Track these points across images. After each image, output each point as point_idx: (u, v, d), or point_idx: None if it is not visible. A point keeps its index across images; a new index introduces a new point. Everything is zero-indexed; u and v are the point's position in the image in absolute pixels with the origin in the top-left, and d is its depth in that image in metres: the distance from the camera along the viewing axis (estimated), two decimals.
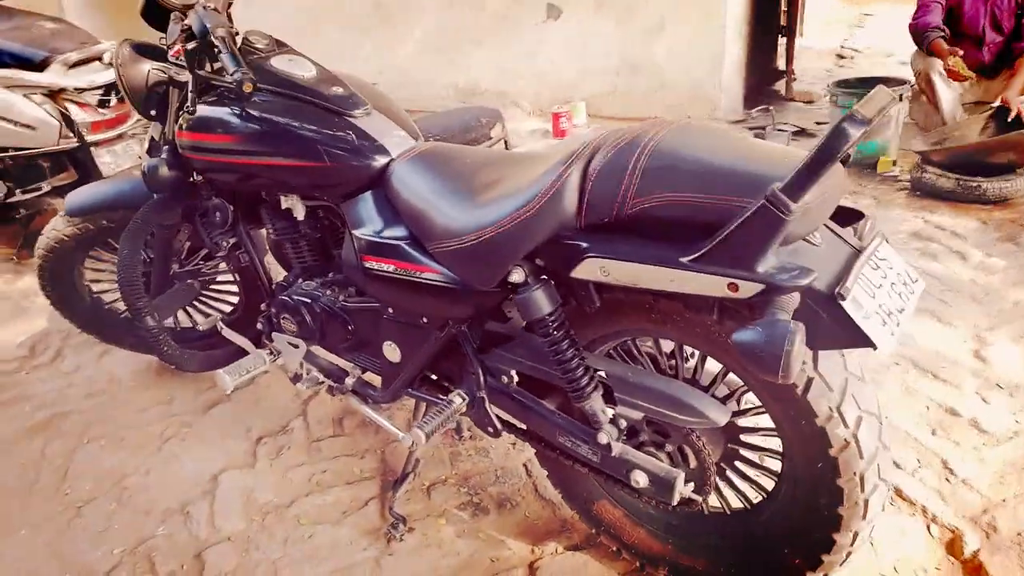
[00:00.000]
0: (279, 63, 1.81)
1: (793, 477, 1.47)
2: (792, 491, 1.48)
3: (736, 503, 1.66)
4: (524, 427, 1.69)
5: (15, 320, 3.32)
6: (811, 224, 1.23)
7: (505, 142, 3.19)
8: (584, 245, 1.34)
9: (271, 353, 2.04)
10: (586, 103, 5.03)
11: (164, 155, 1.95)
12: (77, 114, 3.51)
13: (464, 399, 1.68)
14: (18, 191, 3.59)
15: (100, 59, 3.67)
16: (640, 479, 1.50)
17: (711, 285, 1.21)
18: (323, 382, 2.01)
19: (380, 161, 1.71)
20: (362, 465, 2.25)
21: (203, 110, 1.83)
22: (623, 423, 1.53)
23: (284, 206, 1.89)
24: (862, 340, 1.18)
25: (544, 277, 1.45)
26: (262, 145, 1.76)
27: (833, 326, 1.20)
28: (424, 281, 1.59)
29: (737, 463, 1.61)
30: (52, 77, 3.46)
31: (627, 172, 1.27)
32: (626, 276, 1.30)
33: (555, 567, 1.86)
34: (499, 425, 1.68)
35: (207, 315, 2.67)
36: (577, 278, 1.36)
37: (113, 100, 3.63)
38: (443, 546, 1.96)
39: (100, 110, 3.58)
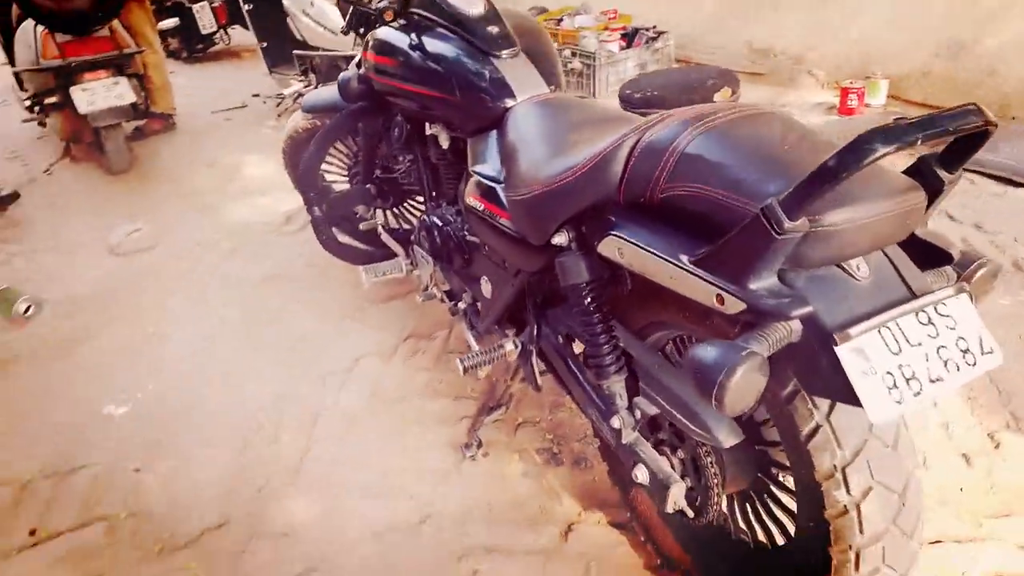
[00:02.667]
0: None
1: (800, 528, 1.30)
2: (801, 543, 1.31)
3: (761, 537, 1.50)
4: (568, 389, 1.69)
5: (292, 193, 3.98)
6: (846, 249, 1.05)
7: None
8: (612, 220, 1.29)
9: (411, 263, 2.24)
10: (889, 82, 4.41)
11: (355, 71, 2.19)
12: None
13: (517, 347, 1.72)
14: (320, 86, 4.21)
15: None
16: (641, 474, 1.43)
17: (703, 292, 1.10)
18: (443, 300, 2.17)
19: (504, 104, 1.77)
20: (473, 385, 2.40)
21: (380, 33, 2.02)
22: (639, 413, 1.46)
23: (429, 132, 2.03)
24: (850, 398, 1.00)
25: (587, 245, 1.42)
26: (410, 71, 1.90)
27: (826, 372, 1.03)
28: (501, 227, 1.63)
29: (766, 496, 1.45)
30: None
31: (665, 154, 1.19)
32: (636, 262, 1.23)
33: (589, 535, 1.85)
34: (539, 380, 1.70)
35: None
36: (600, 254, 1.32)
37: None
38: (505, 480, 2.05)
39: None
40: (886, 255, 1.12)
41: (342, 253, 2.41)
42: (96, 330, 2.91)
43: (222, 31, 7.43)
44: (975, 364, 1.06)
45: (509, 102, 1.77)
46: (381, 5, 1.80)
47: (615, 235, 1.26)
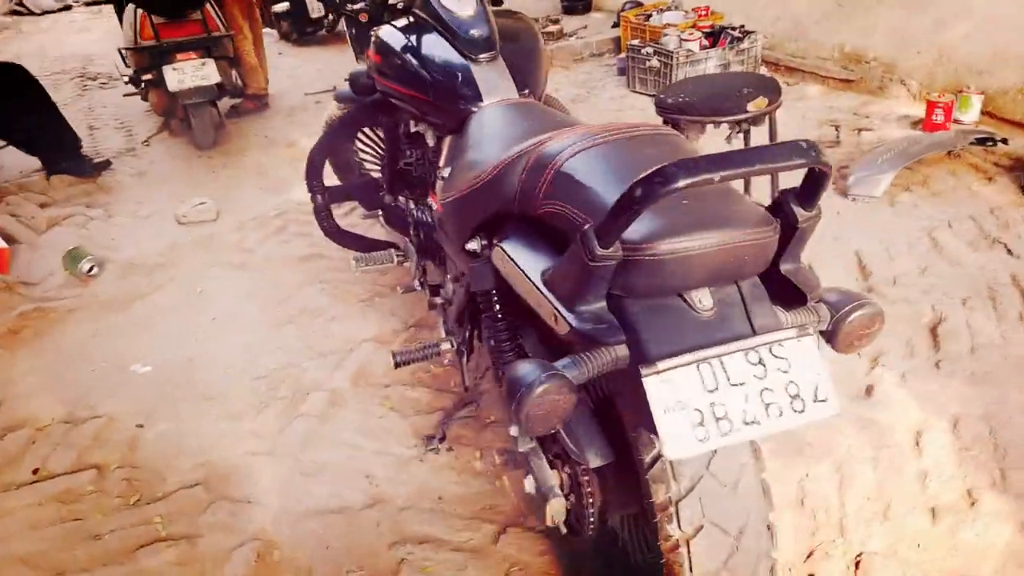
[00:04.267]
0: None
1: None
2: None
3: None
4: None
5: None
6: (677, 280, 1.02)
7: (770, 119, 2.87)
8: (505, 231, 1.30)
9: (400, 254, 2.31)
10: (984, 97, 4.06)
11: (365, 67, 2.28)
12: None
13: (452, 346, 1.75)
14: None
15: None
16: (528, 485, 1.44)
17: (546, 310, 1.11)
18: (428, 294, 2.22)
19: (471, 107, 1.79)
20: (457, 379, 2.44)
21: (380, 32, 2.08)
22: None
23: (413, 130, 2.08)
24: (652, 429, 0.98)
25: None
26: (397, 70, 1.96)
27: (636, 402, 1.01)
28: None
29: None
30: None
31: (546, 170, 1.19)
32: (509, 274, 1.24)
33: (521, 541, 1.85)
34: (467, 381, 1.72)
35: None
36: (493, 263, 1.33)
37: None
38: (461, 474, 2.08)
39: None
40: (740, 290, 1.08)
41: (343, 240, 2.51)
42: (148, 291, 3.17)
43: (331, 16, 7.77)
44: (803, 411, 1.01)
45: (475, 105, 1.80)
46: (357, 7, 1.87)
47: (501, 246, 1.27)
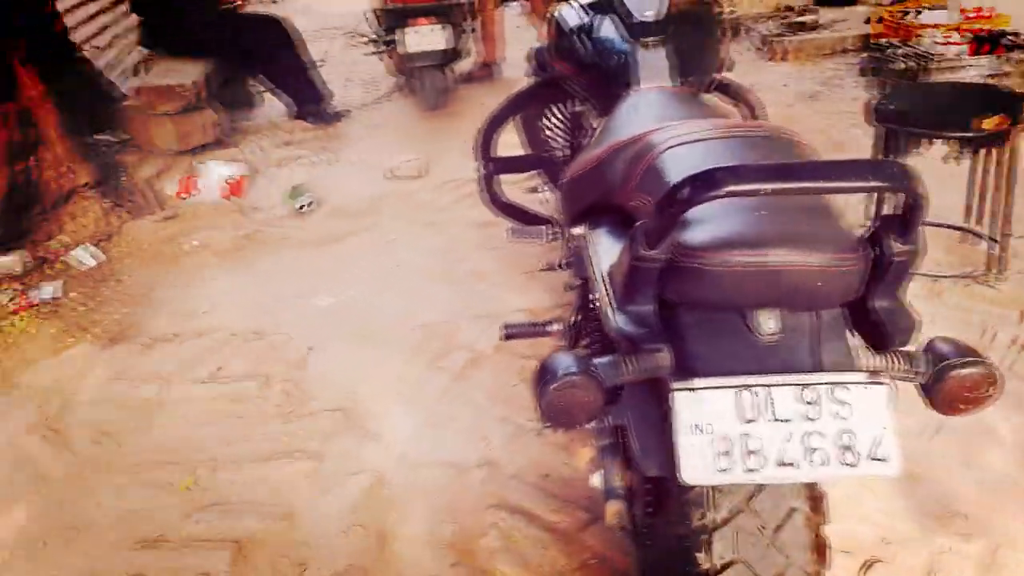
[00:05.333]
0: None
1: None
2: None
3: None
4: None
5: None
6: (731, 295, 0.95)
7: (1010, 146, 2.51)
8: (597, 219, 1.28)
9: (553, 231, 2.34)
10: None
11: (543, 45, 2.31)
12: None
13: (559, 328, 1.76)
14: None
15: None
16: (595, 480, 1.43)
17: (603, 304, 1.09)
18: (562, 271, 2.24)
19: (624, 90, 1.77)
20: None
21: (558, 10, 2.10)
22: (610, 419, 1.43)
23: (577, 110, 2.09)
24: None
25: None
26: (560, 47, 1.98)
27: (666, 415, 0.96)
28: None
29: None
30: None
31: (641, 161, 1.16)
32: (588, 262, 1.23)
33: (607, 535, 1.83)
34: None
35: None
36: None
37: None
38: (572, 458, 2.08)
39: None
40: (816, 319, 0.98)
41: (504, 210, 2.58)
42: (347, 234, 3.49)
43: None
44: (854, 465, 0.90)
45: (629, 89, 1.77)
46: None
47: (589, 233, 1.27)
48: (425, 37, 4.58)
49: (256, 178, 4.03)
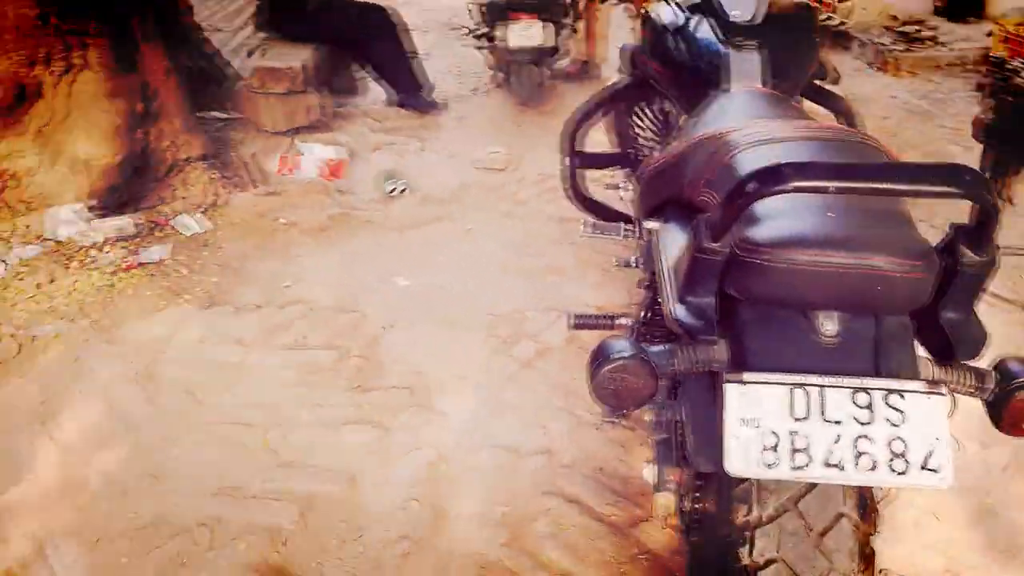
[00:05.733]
0: None
1: None
2: None
3: None
4: None
5: None
6: (792, 293, 0.95)
7: None
8: (667, 214, 1.29)
9: (628, 229, 2.34)
10: None
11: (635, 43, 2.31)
12: None
13: (626, 323, 1.76)
14: None
15: None
16: (647, 473, 1.44)
17: (665, 295, 1.10)
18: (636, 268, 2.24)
19: (715, 91, 1.76)
20: None
21: (653, 8, 2.10)
22: (666, 414, 1.43)
23: (665, 108, 2.08)
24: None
25: None
26: (652, 45, 1.98)
27: (718, 406, 0.96)
28: None
29: None
30: None
31: (714, 159, 1.17)
32: (655, 255, 1.23)
33: (656, 536, 1.84)
34: None
35: None
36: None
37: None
38: (629, 454, 2.11)
39: None
40: (879, 325, 0.97)
41: (584, 205, 2.58)
42: (430, 220, 3.58)
43: None
44: (903, 473, 0.89)
45: (717, 90, 1.76)
46: None
47: (657, 228, 1.27)
48: (524, 32, 4.62)
49: (351, 162, 4.17)
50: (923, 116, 4.64)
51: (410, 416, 2.29)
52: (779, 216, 0.96)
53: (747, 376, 0.93)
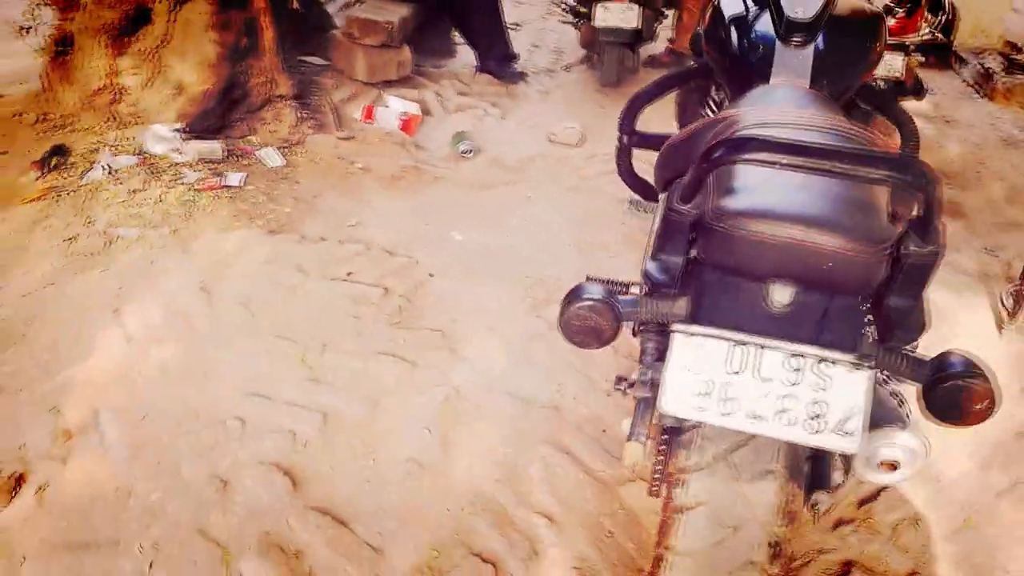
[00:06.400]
0: None
1: None
2: None
3: None
4: None
5: None
6: (744, 261, 1.04)
7: None
8: (672, 187, 1.38)
9: None
10: None
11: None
12: None
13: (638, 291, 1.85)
14: None
15: None
16: (624, 426, 1.53)
17: (645, 253, 1.20)
18: None
19: (757, 83, 1.82)
20: None
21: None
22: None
23: (718, 96, 2.14)
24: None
25: None
26: (712, 34, 2.04)
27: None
28: None
29: None
30: None
31: (714, 137, 1.26)
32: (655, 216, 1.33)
33: (639, 496, 1.94)
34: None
35: None
36: None
37: (900, 12, 3.79)
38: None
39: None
40: (831, 303, 1.05)
41: (633, 183, 2.65)
42: (494, 184, 3.72)
43: None
44: (817, 432, 0.97)
45: (759, 83, 1.82)
46: None
47: (661, 197, 1.37)
48: (616, 14, 4.67)
49: (428, 119, 4.34)
50: (1021, 150, 4.48)
51: (437, 356, 2.44)
52: (751, 190, 1.04)
53: (694, 328, 1.02)
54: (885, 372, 1.05)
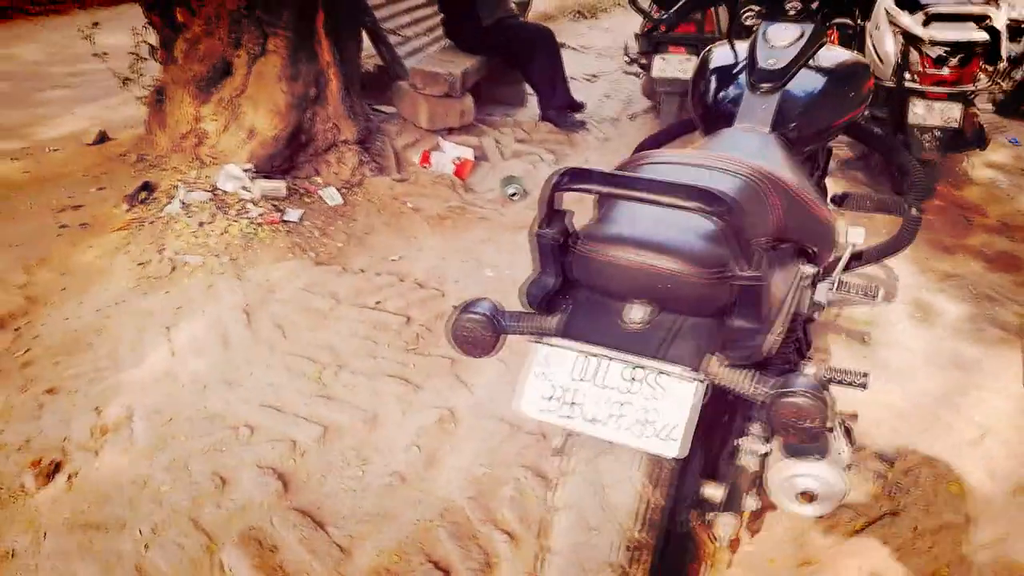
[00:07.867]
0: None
1: None
2: None
3: None
4: None
5: None
6: (599, 281, 1.15)
7: None
8: None
9: None
10: None
11: None
12: (913, 62, 3.81)
13: None
14: None
15: (978, 20, 3.72)
16: None
17: None
18: None
19: (720, 124, 1.92)
20: None
21: (713, 49, 2.26)
22: None
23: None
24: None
25: None
26: (695, 83, 2.15)
27: None
28: None
29: None
30: (911, 22, 3.78)
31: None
32: None
33: None
34: None
35: None
36: None
37: (952, 61, 3.72)
38: None
39: (935, 65, 3.75)
40: (683, 324, 1.13)
41: None
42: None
43: None
44: (641, 437, 1.05)
45: (726, 126, 1.90)
46: (659, 17, 2.08)
47: None
48: (673, 65, 4.79)
49: (483, 164, 4.57)
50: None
51: (442, 382, 2.59)
52: (613, 221, 1.15)
53: (553, 340, 1.13)
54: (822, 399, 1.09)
